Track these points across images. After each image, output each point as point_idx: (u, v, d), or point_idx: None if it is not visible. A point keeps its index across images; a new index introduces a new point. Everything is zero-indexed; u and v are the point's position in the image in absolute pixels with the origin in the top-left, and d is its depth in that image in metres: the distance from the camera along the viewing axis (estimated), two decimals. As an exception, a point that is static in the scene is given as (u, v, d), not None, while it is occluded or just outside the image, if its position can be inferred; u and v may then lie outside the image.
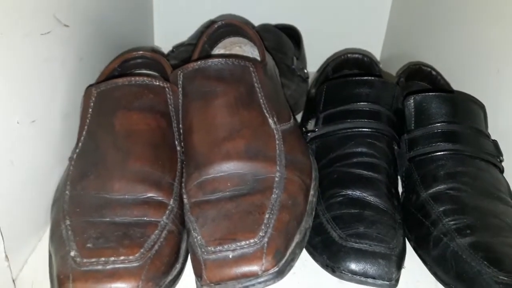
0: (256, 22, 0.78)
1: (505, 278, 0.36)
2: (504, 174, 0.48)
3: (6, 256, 0.36)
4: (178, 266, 0.39)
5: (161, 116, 0.46)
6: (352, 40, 0.85)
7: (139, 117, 0.44)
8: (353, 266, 0.38)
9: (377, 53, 0.88)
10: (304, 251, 0.43)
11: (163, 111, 0.46)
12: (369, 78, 0.50)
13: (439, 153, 0.46)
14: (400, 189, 0.50)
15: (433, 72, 0.59)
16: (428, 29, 0.69)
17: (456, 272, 0.38)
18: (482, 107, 0.50)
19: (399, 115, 0.51)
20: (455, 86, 0.58)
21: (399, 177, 0.50)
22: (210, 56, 0.57)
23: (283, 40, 0.74)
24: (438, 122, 0.47)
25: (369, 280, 0.38)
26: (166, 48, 0.82)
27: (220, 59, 0.46)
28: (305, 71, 0.75)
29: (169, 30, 0.85)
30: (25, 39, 0.39)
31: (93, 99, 0.46)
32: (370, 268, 0.38)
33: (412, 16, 0.75)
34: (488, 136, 0.49)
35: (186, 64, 0.46)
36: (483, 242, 0.39)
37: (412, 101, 0.49)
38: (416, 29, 0.74)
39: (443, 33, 0.65)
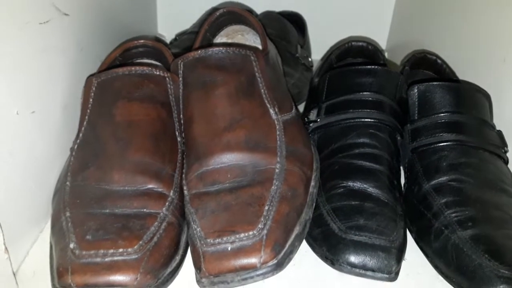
0: (260, 9, 0.76)
1: (506, 272, 0.35)
2: (510, 165, 0.47)
3: (6, 249, 0.36)
4: (177, 258, 0.39)
5: (161, 106, 0.45)
6: (358, 28, 0.83)
7: (140, 107, 0.44)
8: (352, 258, 0.38)
9: (383, 41, 0.86)
10: (305, 243, 0.43)
11: (164, 101, 0.46)
12: (372, 67, 0.49)
13: (442, 144, 0.45)
14: (402, 180, 0.49)
15: (438, 61, 0.58)
16: (434, 18, 0.68)
17: (457, 265, 0.38)
18: (487, 96, 0.50)
19: (403, 104, 0.50)
20: (461, 75, 0.57)
21: (402, 168, 0.50)
22: (211, 45, 0.56)
23: (287, 28, 0.73)
24: (442, 112, 0.47)
25: (369, 272, 0.37)
26: (169, 36, 0.81)
27: (221, 48, 0.45)
28: (310, 59, 0.74)
29: (173, 18, 0.84)
30: (23, 29, 0.39)
31: (94, 89, 0.46)
32: (369, 261, 0.37)
33: (418, 4, 0.74)
34: (493, 126, 0.48)
35: (186, 53, 0.46)
36: (485, 234, 0.38)
37: (415, 90, 0.49)
38: (422, 17, 0.72)
39: (449, 22, 0.64)
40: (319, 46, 0.79)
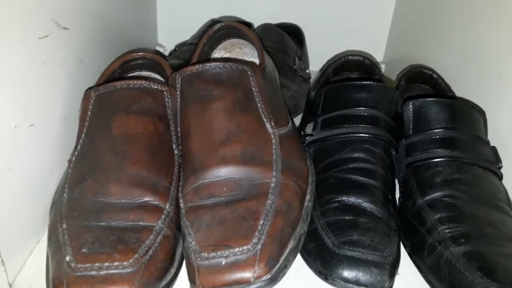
0: (259, 21, 0.77)
1: (498, 289, 0.36)
2: (504, 181, 0.48)
3: (2, 261, 0.37)
4: (172, 270, 0.39)
5: (159, 119, 0.46)
6: (356, 40, 0.84)
7: (137, 120, 0.45)
8: (346, 273, 0.38)
9: (381, 54, 0.87)
10: (299, 257, 0.43)
11: (161, 115, 0.46)
12: (368, 82, 0.50)
13: (436, 160, 0.46)
14: (397, 194, 0.49)
15: (434, 75, 0.59)
16: (431, 32, 0.69)
17: (449, 281, 0.38)
18: (482, 113, 0.50)
19: (398, 119, 0.51)
20: (457, 89, 0.58)
21: (396, 182, 0.50)
22: (209, 59, 0.57)
23: (285, 40, 0.74)
24: (436, 128, 0.47)
25: (362, 288, 0.38)
26: (169, 46, 0.82)
27: (218, 63, 0.46)
28: (307, 71, 0.75)
29: (173, 29, 0.85)
30: (22, 43, 0.39)
31: (92, 102, 0.46)
32: (362, 276, 0.38)
33: (415, 19, 0.75)
34: (487, 142, 0.49)
35: (184, 68, 0.47)
36: (478, 251, 0.39)
37: (411, 106, 0.49)
38: (419, 32, 0.73)
39: (445, 36, 0.64)
40: (317, 58, 0.80)
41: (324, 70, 0.63)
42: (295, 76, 0.70)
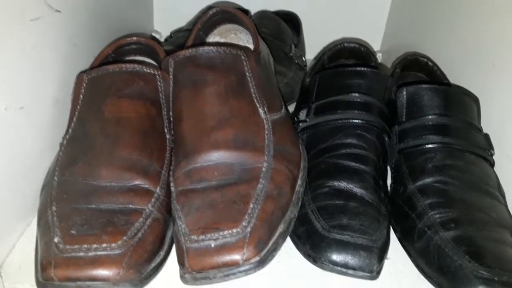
0: (256, 8, 0.77)
1: (485, 273, 0.36)
2: (496, 168, 0.48)
3: (-9, 242, 0.37)
4: (162, 253, 0.39)
5: (151, 103, 0.46)
6: (354, 28, 0.84)
7: (129, 104, 0.45)
8: (334, 257, 0.38)
9: (378, 42, 0.87)
10: (290, 240, 0.43)
11: (153, 99, 0.46)
12: (362, 69, 0.50)
13: (428, 146, 0.46)
14: (389, 180, 0.49)
15: (429, 63, 0.59)
16: (428, 21, 0.69)
17: (438, 265, 0.38)
18: (475, 100, 0.50)
19: (392, 106, 0.51)
20: (452, 78, 0.58)
21: (388, 169, 0.50)
22: (203, 44, 0.57)
23: (282, 27, 0.74)
24: (429, 115, 0.47)
25: (350, 271, 0.38)
26: (165, 33, 0.82)
27: (212, 47, 0.46)
28: (303, 58, 0.74)
29: (169, 15, 0.84)
30: (12, 25, 0.39)
31: (84, 85, 0.46)
32: (351, 260, 0.38)
33: (413, 8, 0.75)
34: (480, 129, 0.49)
35: (177, 52, 0.46)
36: (467, 236, 0.39)
37: (404, 92, 0.49)
38: (416, 21, 0.73)
39: (442, 26, 0.64)
40: (314, 46, 0.80)
41: (319, 57, 0.63)
42: (291, 63, 0.70)
